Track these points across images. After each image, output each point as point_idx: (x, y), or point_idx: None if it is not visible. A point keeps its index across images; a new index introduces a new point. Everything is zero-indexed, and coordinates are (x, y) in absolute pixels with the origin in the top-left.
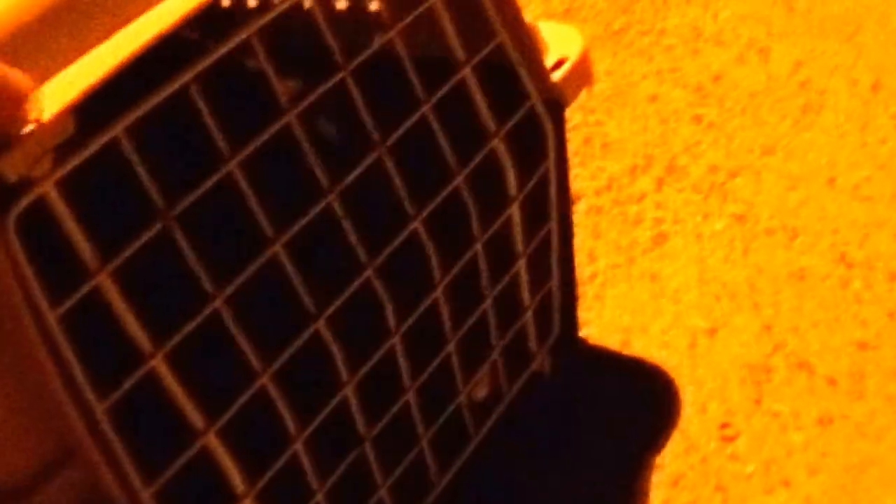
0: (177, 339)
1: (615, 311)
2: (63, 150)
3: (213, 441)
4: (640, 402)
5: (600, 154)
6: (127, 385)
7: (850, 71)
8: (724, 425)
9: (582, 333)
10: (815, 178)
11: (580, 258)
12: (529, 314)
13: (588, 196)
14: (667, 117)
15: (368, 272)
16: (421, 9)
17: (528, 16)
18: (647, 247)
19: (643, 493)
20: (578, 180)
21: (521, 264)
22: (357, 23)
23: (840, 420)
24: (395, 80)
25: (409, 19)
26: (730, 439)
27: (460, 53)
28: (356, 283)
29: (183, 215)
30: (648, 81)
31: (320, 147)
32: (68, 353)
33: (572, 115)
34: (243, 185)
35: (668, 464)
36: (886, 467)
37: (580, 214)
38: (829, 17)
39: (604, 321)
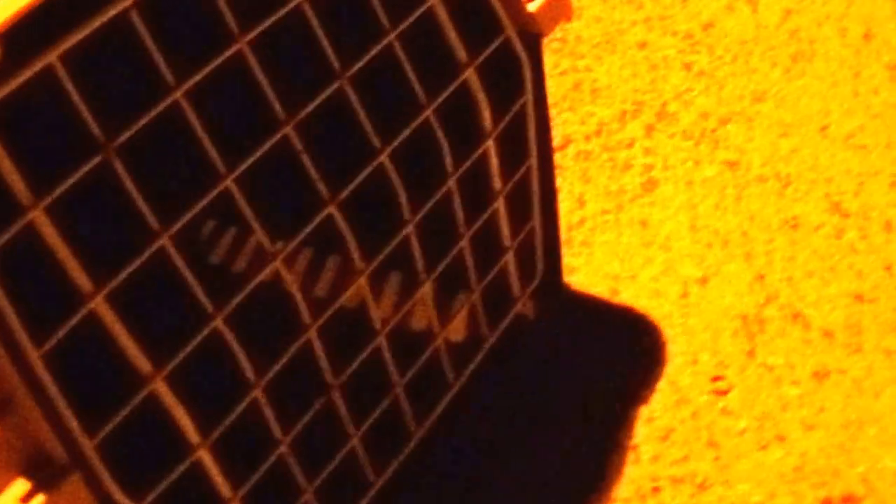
0: (119, 277)
1: (604, 259)
2: None
3: (161, 387)
4: (628, 352)
5: (590, 99)
6: (64, 329)
7: (840, 20)
8: (717, 378)
9: (570, 281)
10: (808, 126)
11: (569, 204)
12: (510, 255)
13: (577, 141)
14: (657, 64)
15: (330, 208)
16: None
17: None
18: (636, 193)
19: (632, 447)
20: (568, 125)
21: (500, 203)
22: None
23: (836, 374)
24: (360, 8)
25: None
26: (722, 393)
27: None
28: (317, 220)
29: (126, 148)
30: (638, 28)
31: (276, 77)
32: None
33: (561, 60)
34: (191, 116)
35: (658, 417)
36: (885, 424)
37: (569, 159)
38: None
39: (592, 268)
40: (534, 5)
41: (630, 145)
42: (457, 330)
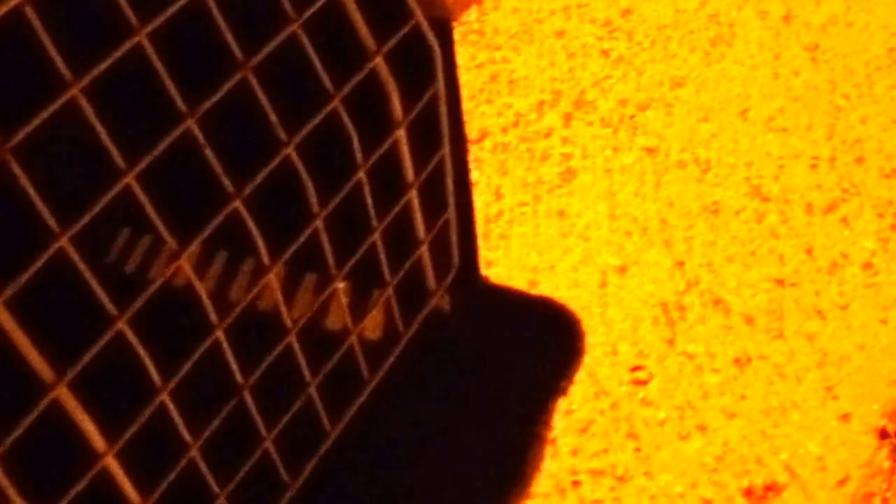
0: (18, 281)
1: (522, 251)
2: None
3: (64, 395)
4: (547, 344)
5: (507, 91)
6: None
7: (759, 3)
8: (636, 368)
9: (488, 274)
10: (728, 110)
11: (486, 197)
12: (425, 248)
13: (494, 133)
14: (575, 52)
15: (235, 203)
16: None
17: None
18: (555, 183)
19: (550, 441)
20: (485, 118)
21: (413, 195)
22: None
23: (758, 360)
24: None
25: None
26: (642, 383)
27: None
28: (221, 215)
29: (22, 148)
30: (556, 17)
31: (177, 68)
32: None
33: (478, 52)
34: (89, 113)
35: (577, 409)
36: (807, 410)
37: (486, 152)
38: None
39: (510, 261)
40: None
41: (548, 135)
42: (373, 327)
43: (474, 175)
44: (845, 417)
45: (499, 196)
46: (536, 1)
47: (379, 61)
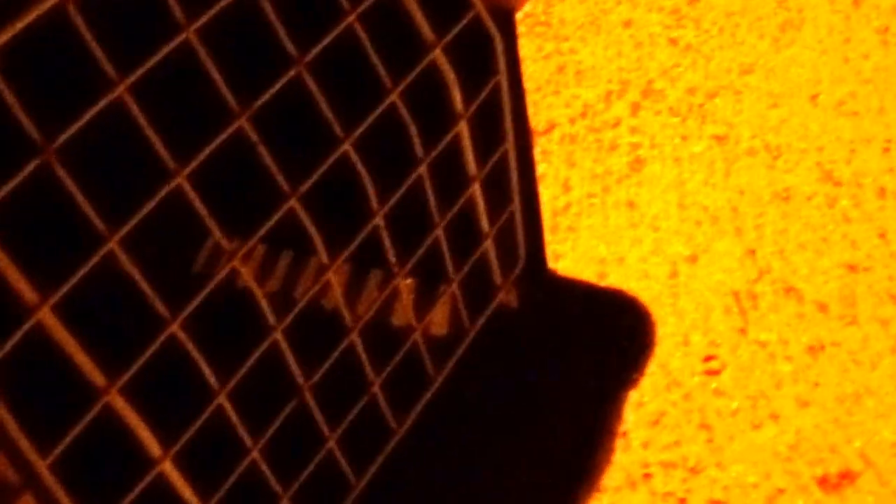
0: (65, 287)
1: (591, 243)
2: None
3: (117, 400)
4: (617, 337)
5: (574, 82)
6: (10, 344)
7: None
8: (708, 358)
9: (557, 267)
10: (797, 95)
11: (555, 189)
12: (489, 243)
13: (562, 125)
14: (642, 41)
15: (292, 202)
16: None
17: None
18: (623, 174)
19: (621, 434)
20: (552, 109)
21: (476, 189)
22: None
23: (831, 347)
24: None
25: None
26: (714, 373)
27: None
28: (278, 215)
29: (66, 149)
30: (623, 7)
31: (228, 66)
32: None
33: (545, 44)
34: (136, 112)
35: (649, 401)
36: (882, 397)
37: (554, 144)
38: None
39: (579, 253)
40: None
41: (616, 125)
42: (439, 323)
43: (542, 167)
44: None
45: (567, 188)
46: None
47: (438, 53)
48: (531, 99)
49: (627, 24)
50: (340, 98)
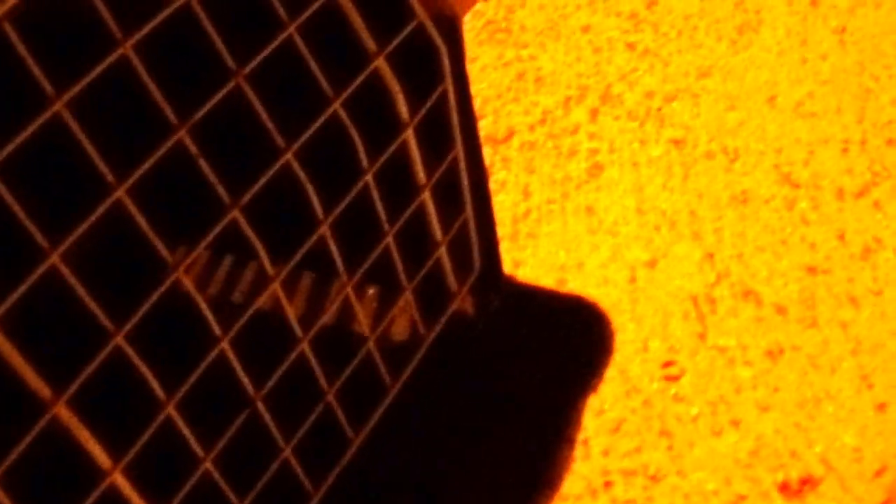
0: (9, 301)
1: (550, 249)
2: None
3: (65, 413)
4: (576, 344)
5: (534, 89)
6: None
7: None
8: (668, 363)
9: (516, 274)
10: (755, 97)
11: (514, 196)
12: (443, 250)
13: (521, 132)
14: (601, 46)
15: (234, 212)
16: None
17: None
18: (582, 179)
19: (582, 441)
20: (512, 116)
21: (426, 197)
22: None
23: (791, 351)
24: (255, 2)
25: None
26: (674, 378)
27: None
28: (220, 226)
29: (8, 165)
30: (582, 12)
31: (166, 79)
32: None
33: (505, 51)
34: (74, 127)
35: (609, 408)
36: (842, 401)
37: (514, 151)
38: None
39: (538, 260)
40: None
41: (575, 131)
42: (399, 332)
43: (502, 174)
44: (881, 407)
45: (527, 195)
46: None
47: (381, 62)
48: (492, 107)
49: (586, 29)
50: (285, 109)
